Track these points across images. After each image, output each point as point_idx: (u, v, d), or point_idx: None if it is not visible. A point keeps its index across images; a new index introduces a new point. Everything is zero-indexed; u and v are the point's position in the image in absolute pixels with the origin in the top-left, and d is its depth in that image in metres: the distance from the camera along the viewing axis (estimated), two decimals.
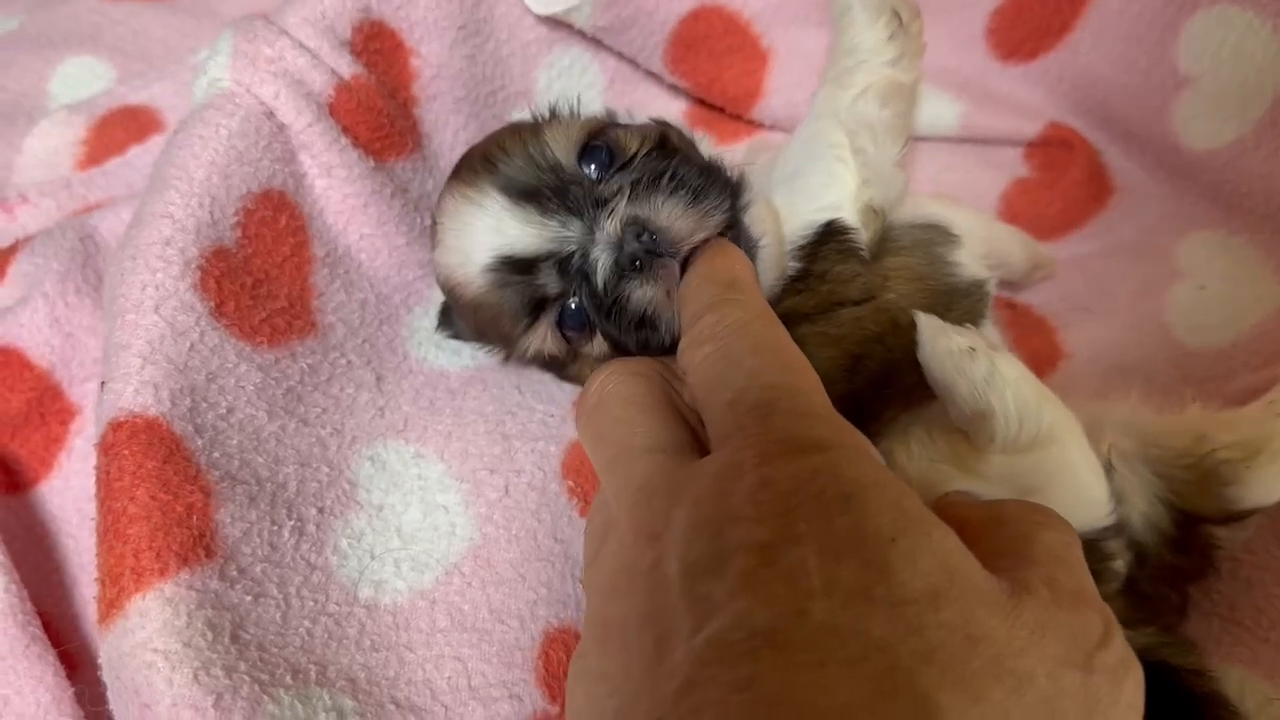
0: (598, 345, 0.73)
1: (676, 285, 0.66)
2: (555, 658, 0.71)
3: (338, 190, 0.81)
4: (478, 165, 0.73)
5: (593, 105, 0.98)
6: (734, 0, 0.96)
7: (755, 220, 0.71)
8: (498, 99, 0.95)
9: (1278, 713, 0.71)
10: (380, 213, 0.83)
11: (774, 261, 0.72)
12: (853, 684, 0.37)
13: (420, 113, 0.90)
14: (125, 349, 0.68)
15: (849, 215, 0.74)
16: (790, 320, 0.69)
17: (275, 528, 0.69)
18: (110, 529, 0.63)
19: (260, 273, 0.76)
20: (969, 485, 0.64)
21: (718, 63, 0.97)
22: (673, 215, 0.66)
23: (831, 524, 0.42)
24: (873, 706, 0.36)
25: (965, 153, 1.02)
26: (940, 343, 0.68)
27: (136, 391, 0.66)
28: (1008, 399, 0.65)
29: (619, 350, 0.71)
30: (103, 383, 0.69)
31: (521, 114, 0.94)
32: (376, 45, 0.86)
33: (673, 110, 1.03)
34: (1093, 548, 0.64)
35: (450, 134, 0.92)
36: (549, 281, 0.70)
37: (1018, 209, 1.00)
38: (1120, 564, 0.68)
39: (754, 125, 1.04)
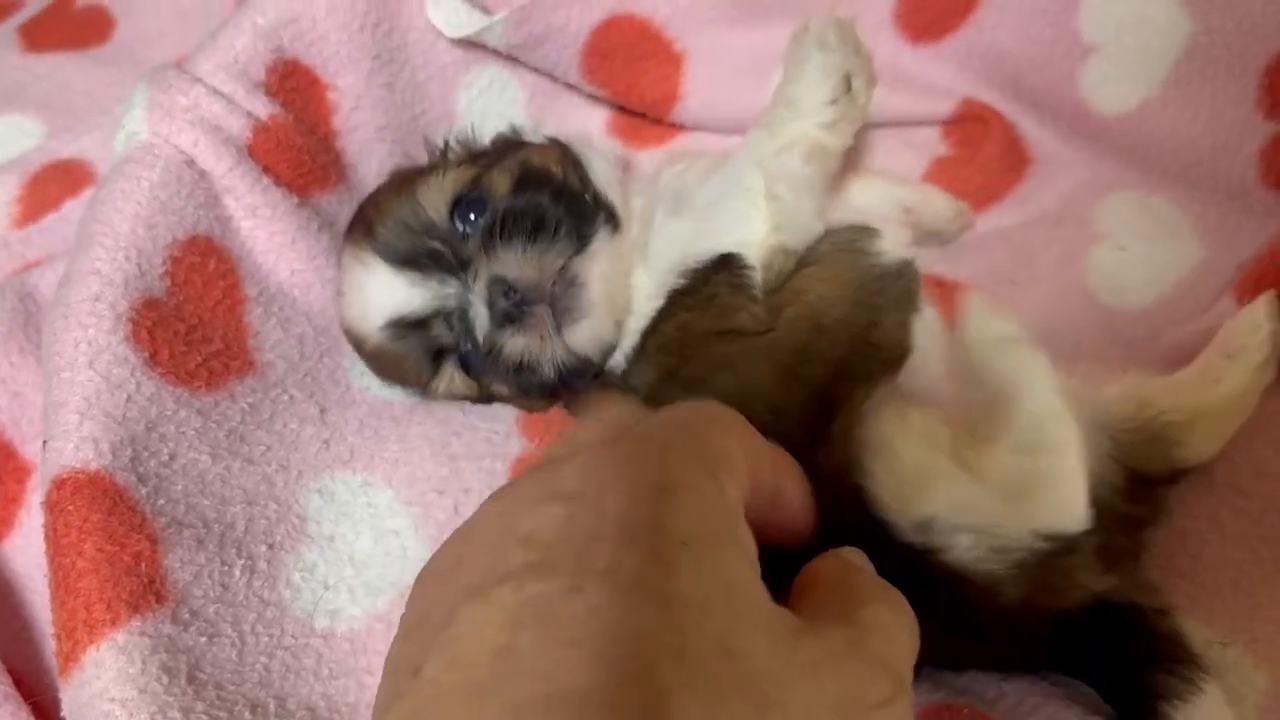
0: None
1: (549, 329, 0.74)
2: None
3: (264, 229, 0.83)
4: (361, 232, 0.80)
5: (516, 120, 1.00)
6: (644, 6, 0.98)
7: (592, 276, 0.76)
8: (420, 123, 0.97)
9: (1218, 656, 0.73)
10: (309, 247, 0.85)
11: (592, 333, 0.77)
12: (597, 667, 0.37)
13: (343, 145, 0.91)
14: (63, 406, 0.69)
15: (750, 255, 0.76)
16: (697, 338, 0.72)
17: (226, 567, 0.70)
18: (61, 584, 0.65)
19: (193, 318, 0.77)
20: (961, 481, 0.65)
21: (633, 69, 0.99)
22: (527, 268, 0.73)
23: (636, 508, 0.43)
24: (608, 690, 0.37)
25: (884, 136, 1.04)
26: (988, 326, 0.69)
27: (77, 448, 0.68)
28: (1036, 393, 0.66)
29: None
30: (44, 441, 0.70)
31: (447, 135, 0.96)
32: (292, 84, 0.87)
33: (595, 119, 1.04)
34: (1079, 548, 0.66)
35: (376, 162, 0.93)
36: (442, 333, 0.78)
37: (939, 186, 1.02)
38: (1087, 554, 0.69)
39: (676, 128, 1.05)
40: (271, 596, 0.71)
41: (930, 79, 1.02)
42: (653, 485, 0.44)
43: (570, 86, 1.03)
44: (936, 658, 0.71)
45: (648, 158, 1.03)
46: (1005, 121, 1.02)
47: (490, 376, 0.80)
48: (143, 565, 0.66)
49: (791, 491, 0.54)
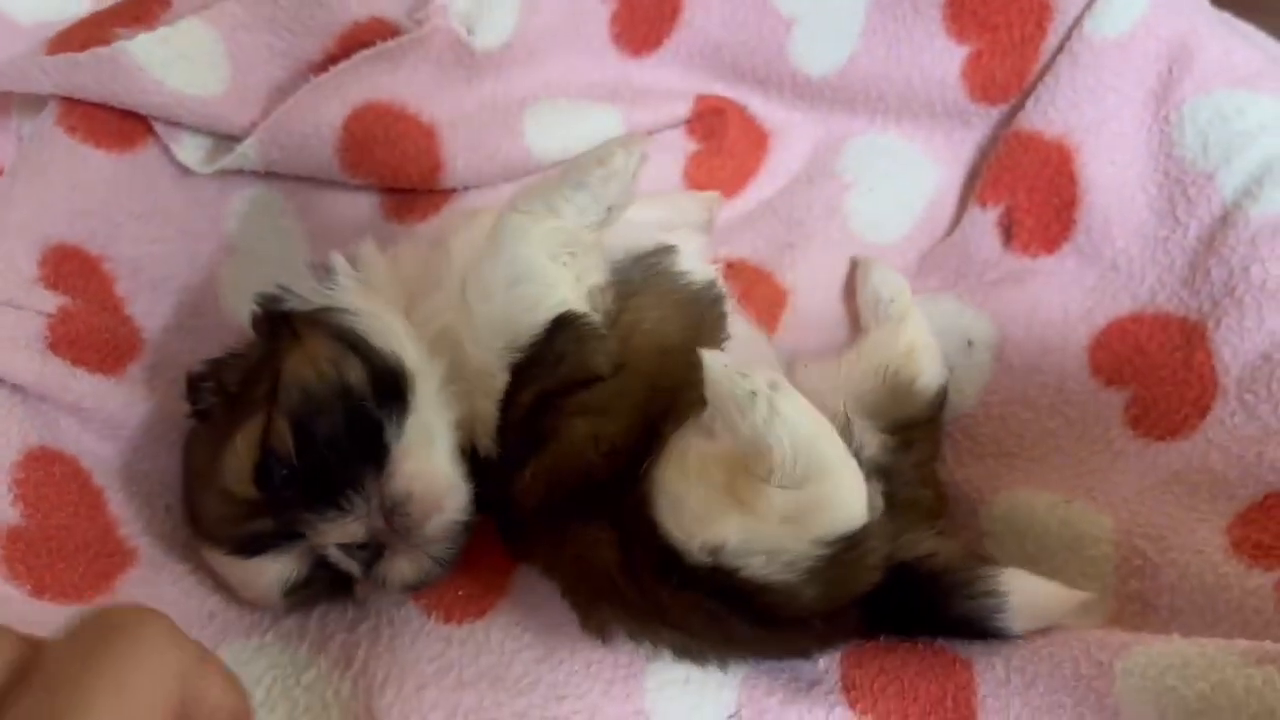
0: None
1: (411, 546, 0.76)
2: None
3: (93, 420, 0.81)
4: (198, 530, 0.80)
5: (287, 232, 1.00)
6: (382, 92, 0.99)
7: (409, 479, 0.76)
8: (198, 264, 0.96)
9: (1065, 512, 0.84)
10: (142, 422, 0.84)
11: (449, 509, 0.77)
12: None
13: (133, 310, 0.90)
14: None
15: (576, 305, 0.77)
16: (556, 393, 0.76)
17: None
18: None
19: (58, 531, 0.75)
20: (742, 518, 0.69)
21: (393, 152, 0.99)
22: (351, 527, 0.74)
23: None
24: None
25: None
26: (724, 385, 0.70)
27: None
28: (785, 439, 0.67)
29: None
30: None
31: (228, 269, 0.96)
32: (67, 268, 0.86)
33: (365, 206, 1.04)
34: (863, 537, 0.70)
35: (169, 315, 0.92)
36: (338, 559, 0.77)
37: (700, 180, 1.09)
38: (881, 535, 0.74)
39: (448, 193, 1.07)
40: None
41: (663, 85, 1.09)
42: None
43: (336, 183, 1.03)
44: (769, 652, 0.79)
45: (427, 228, 1.05)
46: (736, 105, 1.10)
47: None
48: None
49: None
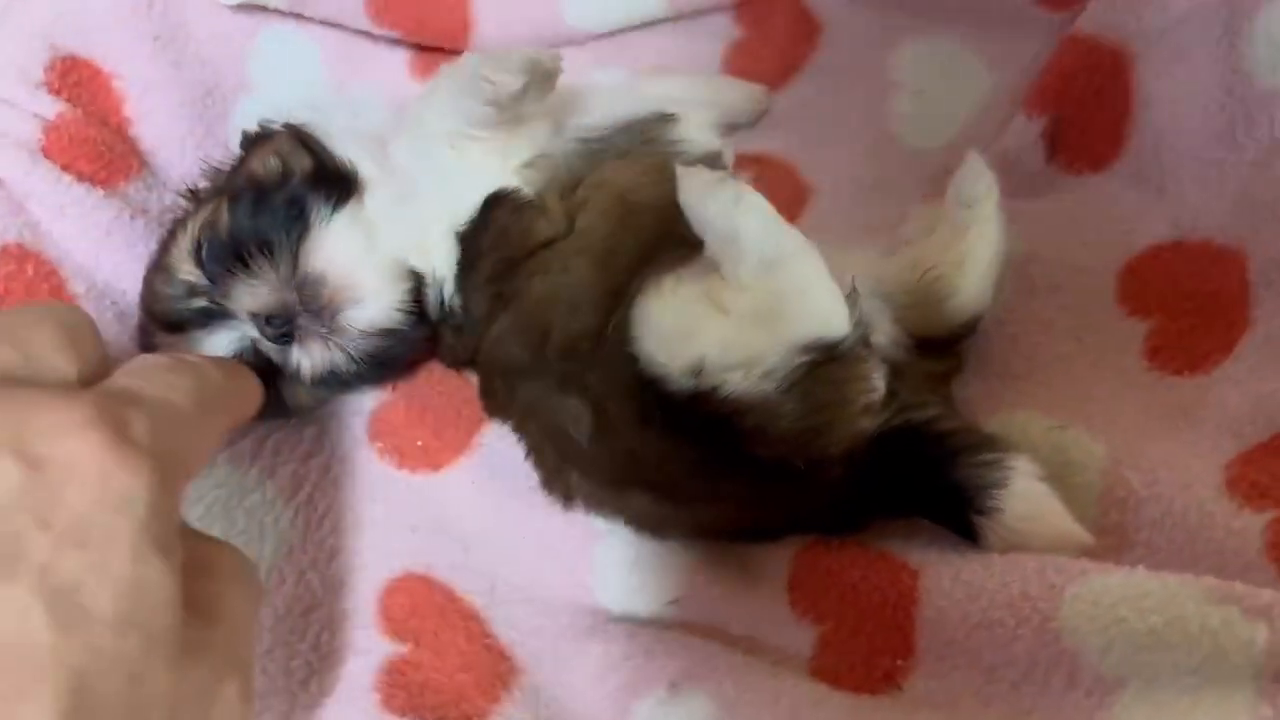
0: None
1: (322, 333, 0.77)
2: (396, 604, 0.75)
3: (75, 226, 0.82)
4: (146, 317, 0.82)
5: (310, 82, 0.99)
6: None
7: (325, 262, 0.76)
8: (216, 98, 0.96)
9: (1059, 437, 0.78)
10: (126, 237, 0.84)
11: (366, 311, 0.78)
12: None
13: (138, 132, 0.91)
14: None
15: (510, 184, 0.78)
16: (509, 264, 0.77)
17: None
18: None
19: None
20: (719, 325, 0.69)
21: (420, 4, 0.98)
22: (262, 293, 0.75)
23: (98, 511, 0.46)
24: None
25: (679, 31, 1.06)
26: (693, 179, 0.73)
27: None
28: (749, 224, 0.70)
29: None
30: None
31: (246, 106, 0.95)
32: (74, 78, 0.86)
33: (395, 63, 1.03)
34: (848, 359, 0.70)
35: (177, 144, 0.92)
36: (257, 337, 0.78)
37: (739, 69, 1.05)
38: (876, 375, 0.73)
39: None
40: None
41: None
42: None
43: (364, 33, 1.02)
44: (754, 530, 0.76)
45: None
46: None
47: (317, 389, 0.81)
48: None
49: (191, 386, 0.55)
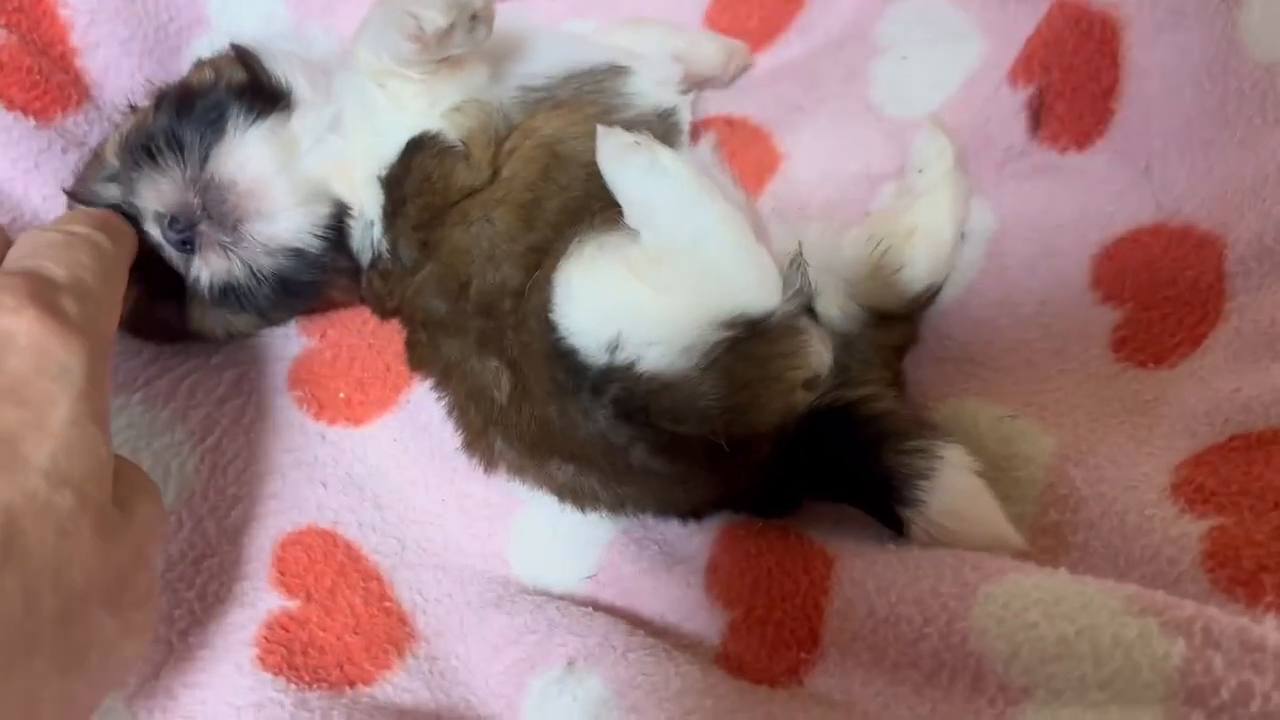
0: None
1: (223, 241, 0.75)
2: (292, 558, 0.73)
3: (3, 156, 0.80)
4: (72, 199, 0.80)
5: (274, 19, 0.96)
6: None
7: (233, 169, 0.74)
8: (170, 32, 0.92)
9: (1008, 428, 0.73)
10: (55, 170, 0.82)
11: (271, 226, 0.76)
12: None
13: (84, 63, 0.88)
14: None
15: (433, 129, 0.75)
16: (436, 211, 0.74)
17: None
18: None
19: None
20: (637, 298, 0.65)
21: None
22: (166, 192, 0.74)
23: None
24: None
25: None
26: (610, 140, 0.70)
27: None
28: (667, 188, 0.67)
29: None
30: None
31: (202, 43, 0.93)
32: (15, 4, 0.84)
33: (361, 5, 0.99)
34: (775, 333, 0.66)
35: (126, 78, 0.89)
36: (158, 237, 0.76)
37: (721, 28, 1.00)
38: (815, 349, 0.70)
39: None
40: None
41: None
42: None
43: None
44: (662, 495, 0.72)
45: None
46: None
47: (220, 309, 0.78)
48: None
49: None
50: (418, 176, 0.75)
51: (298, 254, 0.76)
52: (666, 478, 0.70)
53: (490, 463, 0.77)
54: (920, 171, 0.82)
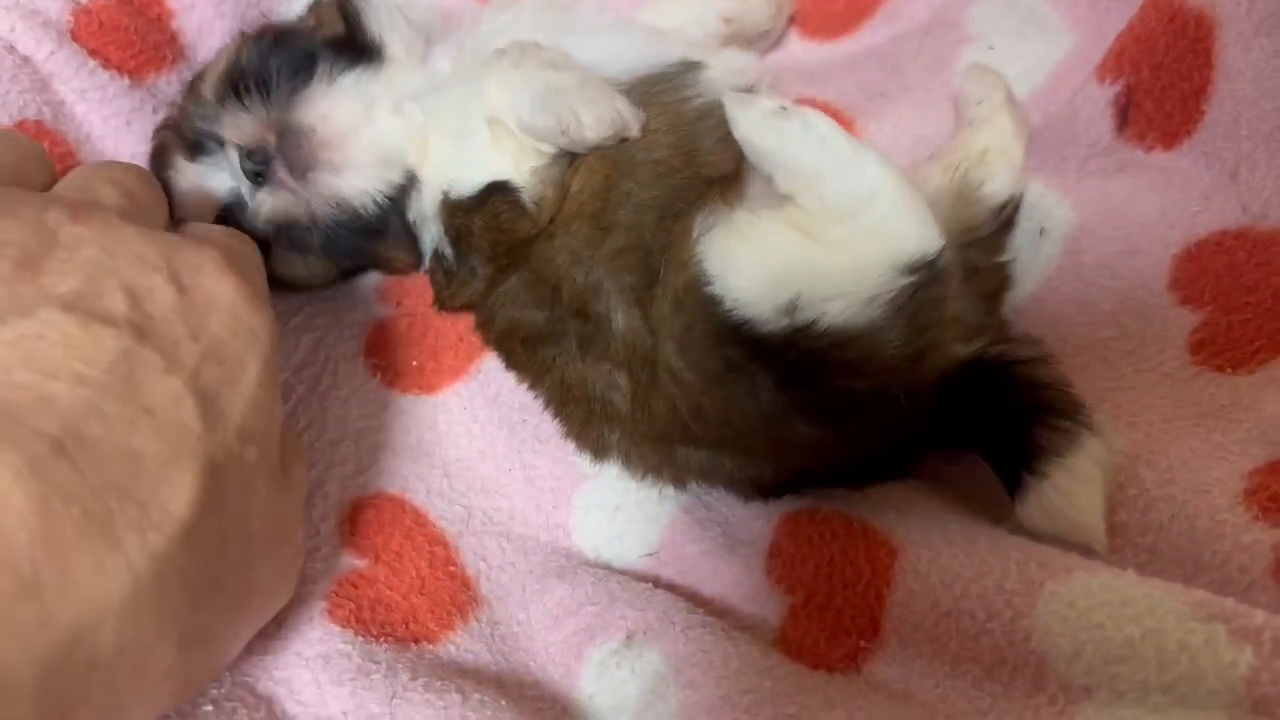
0: None
1: (291, 182, 0.76)
2: (363, 520, 0.74)
3: (97, 113, 0.82)
4: (168, 142, 0.81)
5: None
6: None
7: (316, 119, 0.76)
8: None
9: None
10: (145, 129, 0.84)
11: (338, 180, 0.77)
12: (161, 439, 0.49)
13: (179, 24, 0.89)
14: None
15: (514, 181, 0.75)
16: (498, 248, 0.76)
17: None
18: None
19: None
20: (815, 257, 0.66)
21: None
22: (248, 127, 0.76)
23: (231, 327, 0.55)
24: (164, 459, 0.48)
25: None
26: (751, 111, 0.70)
27: None
28: (828, 150, 0.67)
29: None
30: None
31: (298, 4, 0.94)
32: None
33: None
34: (943, 276, 0.67)
35: (218, 40, 0.91)
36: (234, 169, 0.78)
37: (807, 9, 1.00)
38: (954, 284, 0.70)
39: None
40: None
41: None
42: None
43: None
44: (836, 473, 0.72)
45: None
46: None
47: (279, 248, 0.80)
48: None
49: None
50: (488, 213, 0.76)
51: (354, 214, 0.78)
52: (825, 443, 0.69)
53: (600, 453, 0.78)
54: (979, 103, 0.84)
